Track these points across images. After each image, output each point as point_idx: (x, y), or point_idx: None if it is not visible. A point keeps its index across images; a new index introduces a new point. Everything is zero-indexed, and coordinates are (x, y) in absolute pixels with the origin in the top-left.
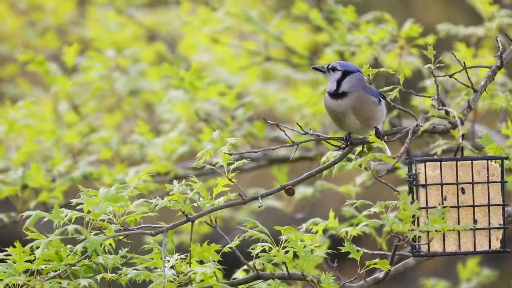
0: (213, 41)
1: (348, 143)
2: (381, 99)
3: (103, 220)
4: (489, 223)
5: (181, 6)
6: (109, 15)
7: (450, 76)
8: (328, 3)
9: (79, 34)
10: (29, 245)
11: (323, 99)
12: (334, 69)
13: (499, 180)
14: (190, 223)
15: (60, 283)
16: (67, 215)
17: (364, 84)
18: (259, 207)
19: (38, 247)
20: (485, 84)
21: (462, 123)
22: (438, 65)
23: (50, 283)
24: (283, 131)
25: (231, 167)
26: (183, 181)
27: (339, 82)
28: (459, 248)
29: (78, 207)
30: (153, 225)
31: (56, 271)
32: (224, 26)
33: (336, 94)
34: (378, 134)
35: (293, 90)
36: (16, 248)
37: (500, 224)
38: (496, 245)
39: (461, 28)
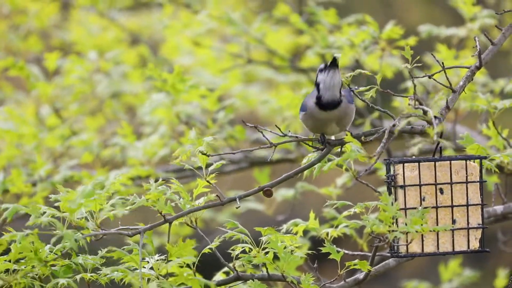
0: (195, 44)
1: (326, 144)
2: (353, 100)
3: (80, 219)
4: (468, 223)
5: (163, 9)
6: (91, 18)
7: (429, 77)
8: (309, 6)
9: (62, 37)
10: (4, 237)
11: (305, 106)
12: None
13: (478, 180)
14: (168, 224)
15: (40, 284)
16: (45, 212)
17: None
18: (237, 208)
19: (14, 241)
20: (464, 85)
21: (440, 122)
22: (417, 65)
23: (28, 280)
24: (262, 133)
25: (210, 168)
26: (162, 181)
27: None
28: (438, 248)
29: (56, 204)
30: (131, 227)
31: (36, 274)
32: (206, 29)
33: (327, 105)
34: (324, 138)
35: (275, 92)
36: None
37: (478, 224)
38: (475, 245)
39: (443, 29)
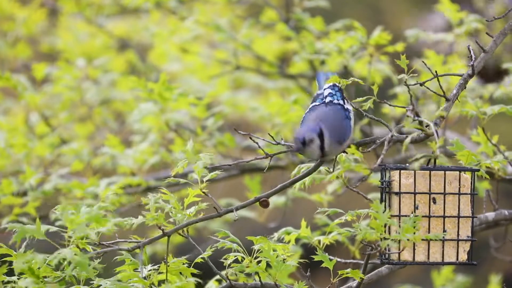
0: (183, 50)
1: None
2: (350, 117)
3: (82, 238)
4: (458, 234)
5: (150, 15)
6: (79, 25)
7: (421, 85)
8: (296, 12)
9: (50, 43)
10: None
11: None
12: (311, 140)
13: (469, 191)
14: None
15: None
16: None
17: (334, 127)
18: (234, 220)
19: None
20: (457, 93)
21: (437, 134)
22: (412, 75)
23: None
24: (257, 143)
25: (204, 179)
26: (158, 194)
27: (322, 148)
28: (428, 258)
29: (56, 222)
30: (129, 241)
31: None
32: (193, 35)
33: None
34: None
35: (264, 98)
36: None
37: (468, 236)
38: (463, 257)
39: (430, 34)
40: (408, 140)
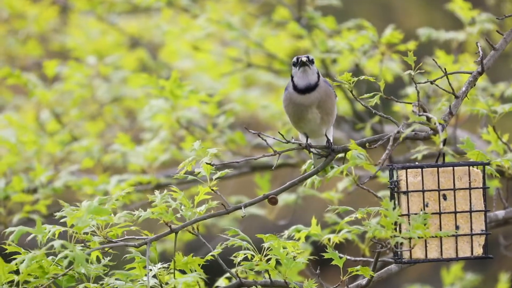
0: (194, 48)
1: (331, 151)
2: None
3: (87, 233)
4: (471, 229)
5: (162, 13)
6: (90, 23)
7: (432, 83)
8: (308, 10)
9: (61, 41)
10: (14, 262)
11: (284, 95)
12: (313, 61)
13: (481, 186)
14: (174, 233)
15: None
16: (50, 230)
17: None
18: (242, 216)
19: (21, 262)
20: (466, 90)
21: (444, 129)
22: (419, 71)
23: None
24: (265, 141)
25: (214, 176)
26: (165, 191)
27: (318, 74)
28: (441, 254)
29: (61, 220)
30: (137, 237)
31: (41, 285)
32: (205, 33)
33: (306, 89)
34: (330, 145)
35: (275, 96)
36: None
37: (482, 230)
38: (478, 251)
39: (442, 33)
40: (408, 130)
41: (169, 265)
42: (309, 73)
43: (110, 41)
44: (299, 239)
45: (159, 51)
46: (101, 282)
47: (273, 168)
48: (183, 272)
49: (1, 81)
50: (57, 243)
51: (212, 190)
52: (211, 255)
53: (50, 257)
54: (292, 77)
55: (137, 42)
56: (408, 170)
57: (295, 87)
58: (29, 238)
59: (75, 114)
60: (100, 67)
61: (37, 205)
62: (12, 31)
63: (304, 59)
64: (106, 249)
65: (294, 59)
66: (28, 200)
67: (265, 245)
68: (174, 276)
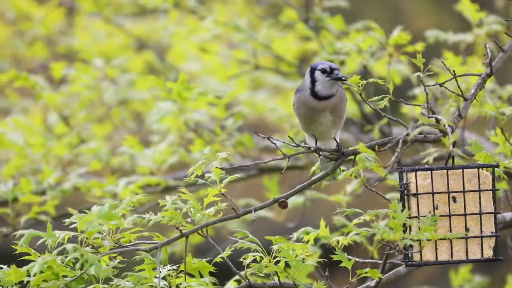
0: (202, 50)
1: (340, 154)
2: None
3: (97, 238)
4: (481, 231)
5: (169, 15)
6: (97, 24)
7: (441, 85)
8: (316, 12)
9: (68, 43)
10: (25, 267)
11: (298, 98)
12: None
13: (490, 188)
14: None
15: None
16: (59, 236)
17: None
18: (252, 220)
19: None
20: (475, 92)
21: (453, 131)
22: (427, 73)
23: None
24: (275, 144)
25: (224, 180)
26: (175, 194)
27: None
28: (452, 256)
29: (71, 226)
30: (147, 242)
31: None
32: (212, 35)
33: (326, 97)
34: (340, 148)
35: (283, 98)
36: (12, 271)
37: (492, 232)
38: (488, 253)
39: (450, 35)
40: (416, 132)
41: (178, 267)
42: (335, 85)
43: (117, 44)
44: (308, 241)
45: (166, 54)
46: (110, 283)
47: (282, 171)
48: (191, 275)
49: (8, 83)
50: (69, 246)
51: (222, 194)
52: (220, 257)
53: (59, 258)
54: (312, 80)
55: (144, 45)
56: (418, 172)
57: (313, 93)
58: (39, 242)
59: (83, 117)
60: (107, 69)
61: (45, 206)
62: (19, 33)
63: (341, 75)
64: (114, 254)
65: (327, 67)
66: (36, 201)
67: (274, 247)
68: (185, 279)
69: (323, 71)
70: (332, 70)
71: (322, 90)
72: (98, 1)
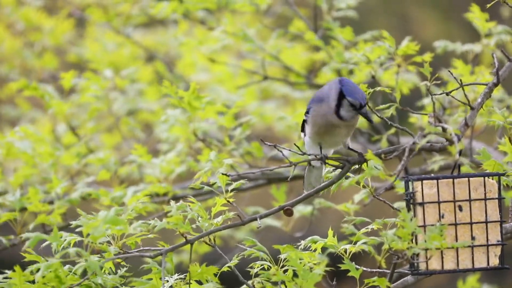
0: (211, 60)
1: (346, 162)
2: None
3: (102, 243)
4: (487, 240)
5: (178, 26)
6: (107, 35)
7: (447, 94)
8: (327, 20)
9: (77, 54)
10: (29, 268)
11: (319, 107)
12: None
13: (496, 196)
14: (189, 244)
15: None
16: (65, 239)
17: None
18: (258, 227)
19: (37, 270)
20: (482, 101)
21: (459, 140)
22: (435, 82)
23: None
24: (281, 151)
25: (230, 187)
26: (181, 201)
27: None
28: (458, 265)
29: (77, 230)
30: (152, 248)
31: None
32: (221, 45)
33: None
34: (360, 153)
35: (291, 109)
36: (16, 273)
37: (498, 241)
38: (494, 261)
39: (458, 45)
40: (423, 141)
41: (186, 276)
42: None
43: (127, 54)
44: (315, 250)
45: (175, 64)
46: None
47: (289, 179)
48: (199, 283)
49: (18, 93)
50: (72, 250)
51: (228, 201)
52: (228, 267)
53: (67, 267)
54: (337, 104)
55: (154, 55)
56: (424, 181)
57: (337, 113)
58: (44, 245)
59: (91, 127)
60: (117, 79)
61: (52, 215)
62: (28, 43)
63: (369, 118)
64: (119, 260)
65: (357, 104)
66: (44, 209)
67: (282, 256)
68: (189, 286)
69: (352, 105)
70: (361, 107)
71: (346, 116)
72: (107, 12)
